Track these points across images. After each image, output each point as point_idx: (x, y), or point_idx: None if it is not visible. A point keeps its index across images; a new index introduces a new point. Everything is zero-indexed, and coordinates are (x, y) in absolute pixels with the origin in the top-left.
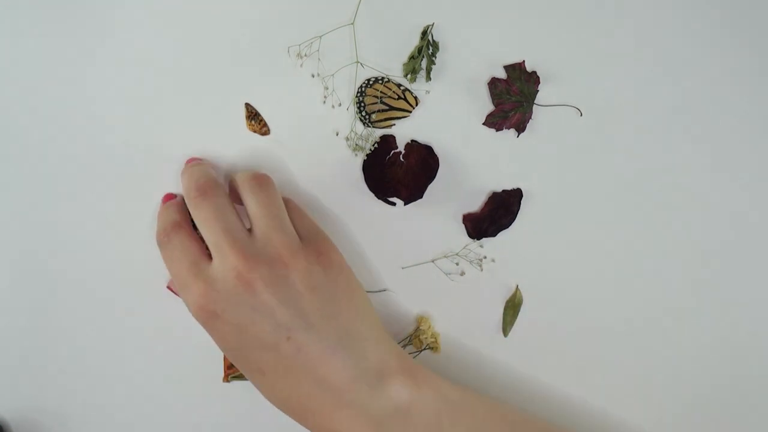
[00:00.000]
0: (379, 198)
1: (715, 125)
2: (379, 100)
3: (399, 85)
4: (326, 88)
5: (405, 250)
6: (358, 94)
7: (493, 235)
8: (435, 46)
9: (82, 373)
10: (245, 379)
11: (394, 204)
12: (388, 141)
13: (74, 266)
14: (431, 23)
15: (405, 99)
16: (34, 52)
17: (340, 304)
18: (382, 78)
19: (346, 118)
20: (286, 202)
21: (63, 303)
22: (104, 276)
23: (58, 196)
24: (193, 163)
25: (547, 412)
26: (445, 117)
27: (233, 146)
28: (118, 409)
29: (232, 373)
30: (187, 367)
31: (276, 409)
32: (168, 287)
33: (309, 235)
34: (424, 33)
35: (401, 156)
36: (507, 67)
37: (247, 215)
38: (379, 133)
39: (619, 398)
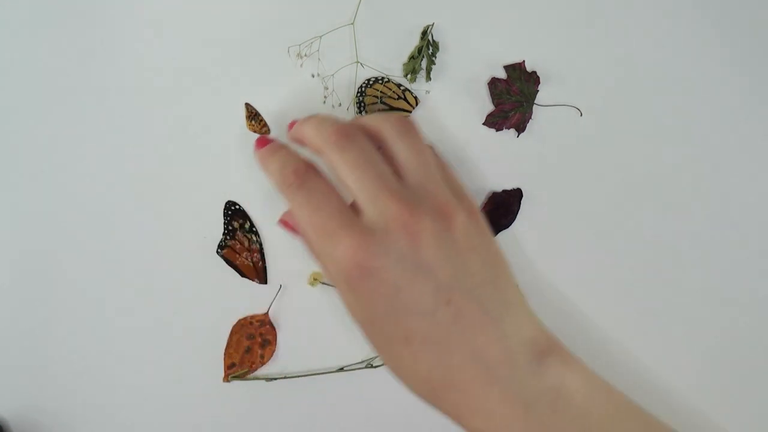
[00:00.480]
0: None
1: (715, 125)
2: (379, 100)
3: (399, 85)
4: (326, 88)
5: None
6: (358, 94)
7: (494, 235)
8: (435, 46)
9: (82, 373)
10: (245, 379)
11: None
12: None
13: (74, 266)
14: (431, 23)
15: (405, 99)
16: (35, 52)
17: (496, 269)
18: (382, 78)
19: (346, 117)
20: (430, 150)
21: (63, 303)
22: (104, 276)
23: (58, 196)
24: (319, 114)
25: None
26: (445, 117)
27: (233, 145)
28: (118, 409)
29: (232, 373)
30: (187, 367)
31: (276, 409)
32: (282, 222)
33: (457, 192)
34: (424, 33)
35: None
36: (507, 67)
37: (397, 163)
38: None
39: None
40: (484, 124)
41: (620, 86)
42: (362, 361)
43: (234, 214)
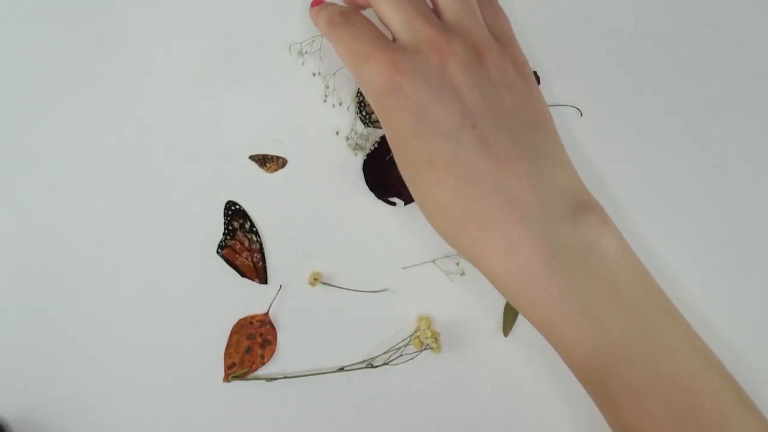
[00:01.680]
0: (379, 198)
1: (716, 125)
2: None
3: None
4: (327, 87)
5: (405, 250)
6: (359, 94)
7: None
8: None
9: (82, 373)
10: (245, 379)
11: (394, 204)
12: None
13: (74, 266)
14: None
15: None
16: (35, 53)
17: (533, 114)
18: None
19: (346, 117)
20: None
21: (63, 303)
22: (104, 276)
23: (58, 196)
24: None
25: (547, 412)
26: None
27: (233, 145)
28: (118, 409)
29: (232, 373)
30: (187, 367)
31: (276, 409)
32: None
33: (504, 37)
34: None
35: None
36: None
37: (435, 5)
38: (379, 133)
39: None
40: None
41: (620, 86)
42: (362, 361)
43: (234, 214)
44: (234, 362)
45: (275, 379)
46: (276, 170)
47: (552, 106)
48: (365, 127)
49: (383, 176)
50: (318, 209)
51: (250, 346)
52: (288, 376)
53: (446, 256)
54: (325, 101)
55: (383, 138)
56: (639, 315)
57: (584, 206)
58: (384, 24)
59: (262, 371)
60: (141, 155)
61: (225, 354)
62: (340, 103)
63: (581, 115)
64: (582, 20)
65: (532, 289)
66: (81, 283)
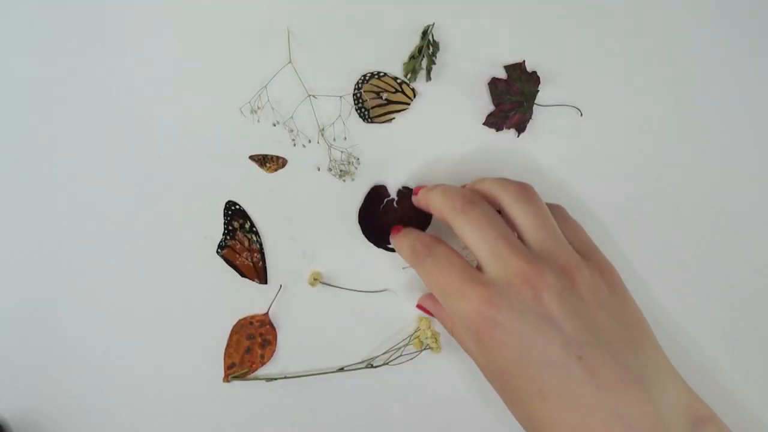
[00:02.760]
0: (379, 247)
1: (716, 125)
2: (377, 95)
3: (395, 78)
4: (291, 131)
5: None
6: (356, 91)
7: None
8: (435, 45)
9: (82, 373)
10: (245, 379)
11: (394, 251)
12: (379, 190)
13: (74, 266)
14: (432, 23)
15: (403, 92)
16: (35, 53)
17: (632, 329)
18: (378, 73)
19: (320, 151)
20: (558, 211)
21: (63, 303)
22: (104, 276)
23: (58, 196)
24: (443, 184)
25: None
26: (446, 117)
27: (233, 145)
28: (118, 409)
29: (232, 373)
30: (187, 367)
31: (276, 409)
32: (419, 306)
33: (586, 250)
34: (425, 33)
35: (394, 203)
36: (507, 67)
37: (517, 227)
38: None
39: None
40: (484, 124)
41: (620, 86)
42: (362, 361)
43: (234, 214)
44: (234, 362)
45: (275, 379)
46: (276, 170)
47: (552, 106)
48: (364, 122)
49: (379, 226)
50: (318, 209)
51: (250, 346)
52: (288, 376)
53: None
54: (294, 145)
55: (374, 189)
56: None
57: (701, 420)
58: (470, 250)
59: (262, 371)
60: (141, 155)
61: (225, 354)
62: (309, 141)
63: (581, 115)
64: (583, 20)
65: None
66: (81, 283)
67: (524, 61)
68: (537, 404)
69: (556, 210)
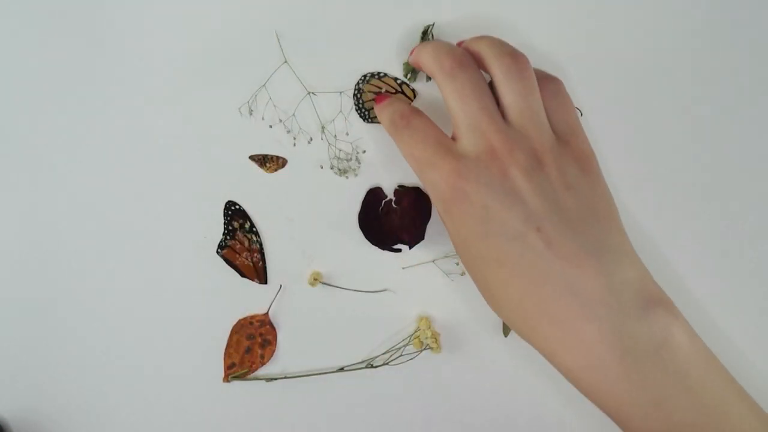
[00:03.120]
0: (384, 249)
1: (717, 123)
2: (377, 95)
3: (396, 79)
4: (289, 131)
5: (405, 251)
6: (356, 91)
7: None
8: None
9: (82, 373)
10: (245, 379)
11: (400, 251)
12: (376, 193)
13: (74, 266)
14: (431, 23)
15: (403, 92)
16: (34, 52)
17: (596, 211)
18: (379, 73)
19: (320, 151)
20: (554, 85)
21: (63, 303)
22: (104, 276)
23: (58, 196)
24: (437, 41)
25: (547, 413)
26: (446, 117)
27: (233, 145)
28: (118, 409)
29: (232, 373)
30: (187, 367)
31: (276, 409)
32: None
33: (568, 131)
34: (425, 33)
35: (393, 203)
36: None
37: (502, 103)
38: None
39: None
40: None
41: (620, 86)
42: (362, 361)
43: (234, 214)
44: (234, 362)
45: (275, 379)
46: (276, 170)
47: None
48: (364, 122)
49: (381, 228)
50: (318, 209)
51: (250, 346)
52: (288, 376)
53: (446, 256)
54: (295, 145)
55: (371, 191)
56: (708, 404)
57: (654, 301)
58: (450, 115)
59: (262, 371)
60: (141, 155)
61: (225, 354)
62: (311, 139)
63: (581, 114)
64: (583, 19)
65: (604, 384)
66: (81, 283)
67: None
68: (494, 271)
69: (551, 84)
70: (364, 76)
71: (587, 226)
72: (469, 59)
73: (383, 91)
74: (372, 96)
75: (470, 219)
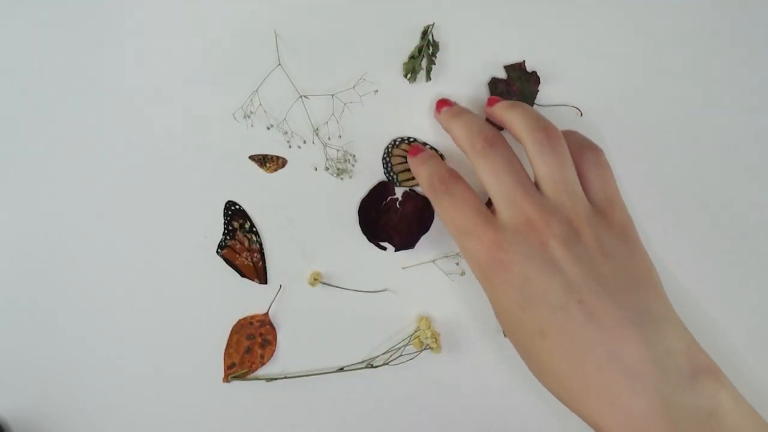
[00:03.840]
0: (370, 241)
1: (716, 124)
2: (405, 160)
3: (425, 144)
4: (285, 133)
5: (405, 251)
6: (385, 155)
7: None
8: (435, 46)
9: (82, 374)
10: (245, 379)
11: (384, 249)
12: (386, 187)
13: (74, 266)
14: (431, 23)
15: None
16: (35, 53)
17: (637, 278)
18: (408, 138)
19: (318, 151)
20: (593, 155)
21: (63, 303)
22: (104, 276)
23: (58, 196)
24: (468, 113)
25: (547, 413)
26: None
27: (233, 145)
28: (118, 409)
29: (232, 373)
30: (187, 367)
31: (276, 409)
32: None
33: (604, 199)
34: (425, 33)
35: (398, 203)
36: (507, 67)
37: (536, 175)
38: (353, 152)
39: None
40: None
41: (620, 86)
42: (362, 361)
43: (234, 214)
44: (234, 362)
45: (275, 379)
46: (276, 170)
47: (552, 106)
48: (395, 185)
49: (377, 220)
50: (318, 209)
51: (250, 346)
52: (288, 376)
53: (446, 256)
54: (290, 147)
55: (381, 183)
56: None
57: (701, 370)
58: (486, 191)
59: (262, 371)
60: (141, 155)
61: (225, 354)
62: (304, 142)
63: (581, 115)
64: (582, 20)
65: None
66: (81, 283)
67: (524, 61)
68: (538, 342)
69: (591, 153)
70: (394, 140)
71: (628, 295)
72: (500, 138)
73: (405, 160)
74: (401, 160)
75: (511, 289)
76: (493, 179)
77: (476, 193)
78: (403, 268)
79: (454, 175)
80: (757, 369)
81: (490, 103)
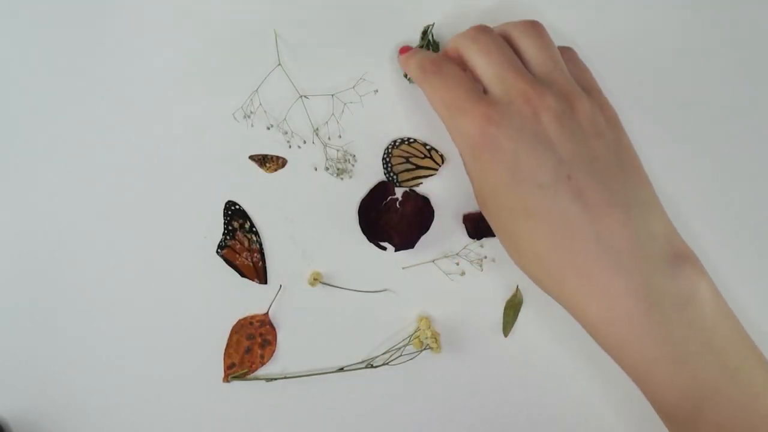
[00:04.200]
0: (370, 241)
1: (715, 124)
2: (405, 160)
3: (425, 145)
4: (285, 133)
5: (405, 251)
6: (385, 156)
7: (494, 235)
8: (435, 45)
9: (82, 373)
10: (245, 380)
11: (384, 249)
12: (386, 186)
13: (74, 266)
14: (431, 23)
15: (431, 158)
16: (35, 53)
17: (624, 162)
18: (408, 139)
19: (316, 151)
20: (568, 53)
21: (63, 303)
22: (104, 276)
23: (58, 196)
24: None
25: (547, 412)
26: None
27: (233, 145)
28: (118, 409)
29: (232, 373)
30: (187, 367)
31: (276, 409)
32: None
33: (590, 89)
34: (425, 33)
35: (398, 203)
36: None
37: (524, 58)
38: (353, 152)
39: (620, 397)
40: None
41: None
42: (362, 361)
43: (234, 214)
44: (234, 362)
45: (275, 379)
46: (276, 170)
47: None
48: (396, 186)
49: (377, 220)
50: (318, 209)
51: (250, 346)
52: (288, 376)
53: (446, 256)
54: (290, 147)
55: (381, 183)
56: (729, 363)
57: (681, 256)
58: (476, 76)
59: (262, 371)
60: (141, 155)
61: (225, 354)
62: (304, 142)
63: None
64: (580, 20)
65: (628, 338)
66: (81, 283)
67: None
68: (521, 222)
69: (566, 51)
70: (394, 141)
71: (617, 177)
72: (488, 27)
73: (406, 160)
74: (401, 160)
75: (499, 166)
76: (483, 60)
77: (469, 74)
78: (403, 268)
79: (445, 57)
80: None
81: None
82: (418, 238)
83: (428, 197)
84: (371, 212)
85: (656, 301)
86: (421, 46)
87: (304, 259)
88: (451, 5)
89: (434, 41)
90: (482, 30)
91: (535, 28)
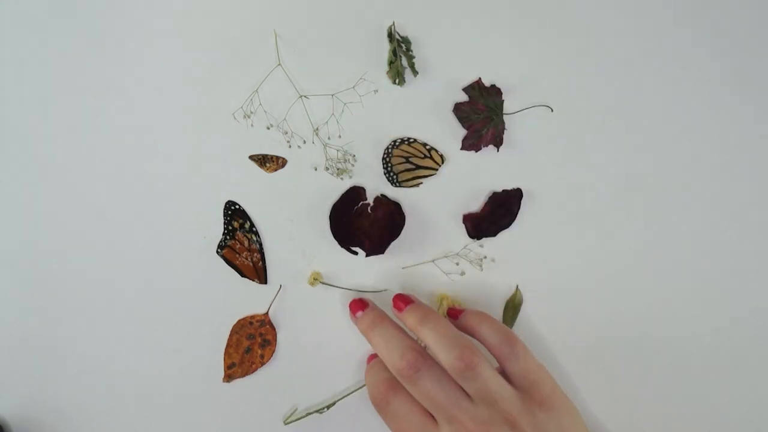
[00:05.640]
0: (342, 246)
1: (715, 124)
2: (405, 160)
3: (425, 145)
4: (285, 133)
5: (405, 251)
6: (385, 156)
7: (493, 235)
8: (405, 41)
9: (83, 373)
10: (245, 379)
11: (356, 254)
12: (357, 192)
13: (74, 266)
14: (391, 23)
15: (431, 158)
16: (36, 53)
17: None
18: (408, 139)
19: (316, 151)
20: (503, 350)
21: (63, 303)
22: (104, 276)
23: (59, 196)
24: (391, 334)
25: None
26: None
27: (233, 145)
28: (118, 408)
29: (232, 373)
30: (187, 367)
31: (276, 409)
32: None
33: (526, 380)
34: (390, 35)
35: (369, 208)
36: (466, 89)
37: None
38: (353, 152)
39: (620, 397)
40: (462, 149)
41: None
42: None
43: (234, 214)
44: (234, 362)
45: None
46: (276, 170)
47: (522, 110)
48: (392, 186)
49: (349, 226)
50: (318, 209)
51: (250, 346)
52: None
53: (446, 256)
54: (290, 146)
55: (353, 188)
56: None
57: None
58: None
59: (262, 371)
60: (141, 156)
61: (225, 354)
62: (304, 141)
63: (552, 111)
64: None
65: None
66: (81, 283)
67: (480, 78)
68: None
69: (508, 349)
70: (394, 141)
71: None
72: (422, 357)
73: (406, 160)
74: (401, 160)
75: None
76: (427, 401)
77: (418, 403)
78: (403, 268)
79: (393, 386)
80: (758, 368)
81: (454, 315)
82: (389, 243)
83: (399, 203)
84: (343, 217)
85: None
86: (394, 48)
87: (304, 259)
88: (444, 7)
89: (402, 37)
90: (417, 371)
91: (468, 366)
